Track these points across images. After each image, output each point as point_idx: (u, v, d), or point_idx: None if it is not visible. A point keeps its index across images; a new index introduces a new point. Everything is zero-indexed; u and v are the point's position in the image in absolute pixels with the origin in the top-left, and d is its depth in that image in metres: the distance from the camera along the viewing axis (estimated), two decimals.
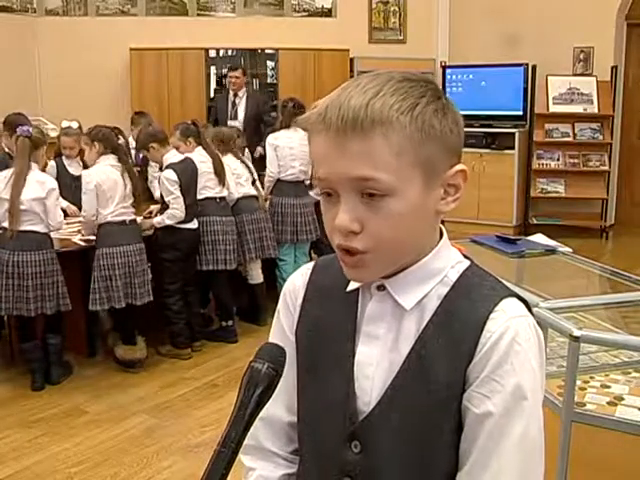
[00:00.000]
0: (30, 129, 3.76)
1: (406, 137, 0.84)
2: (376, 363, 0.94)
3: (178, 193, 4.14)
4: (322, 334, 0.99)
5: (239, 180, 4.70)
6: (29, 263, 3.64)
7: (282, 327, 1.05)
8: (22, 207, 3.64)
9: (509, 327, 0.87)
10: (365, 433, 0.93)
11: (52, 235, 3.81)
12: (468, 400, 0.88)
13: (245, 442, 1.05)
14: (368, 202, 0.86)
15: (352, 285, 0.97)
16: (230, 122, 6.30)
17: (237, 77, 6.46)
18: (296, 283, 1.05)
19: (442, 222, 0.97)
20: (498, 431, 0.86)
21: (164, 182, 4.17)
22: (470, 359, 0.87)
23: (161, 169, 4.32)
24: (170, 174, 4.17)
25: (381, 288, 0.94)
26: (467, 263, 0.96)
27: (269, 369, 0.82)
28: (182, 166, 4.23)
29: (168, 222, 4.18)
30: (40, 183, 3.70)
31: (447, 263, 0.94)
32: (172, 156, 4.28)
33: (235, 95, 6.51)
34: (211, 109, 6.99)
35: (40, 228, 3.71)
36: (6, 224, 3.66)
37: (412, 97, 0.85)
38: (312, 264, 1.07)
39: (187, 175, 4.25)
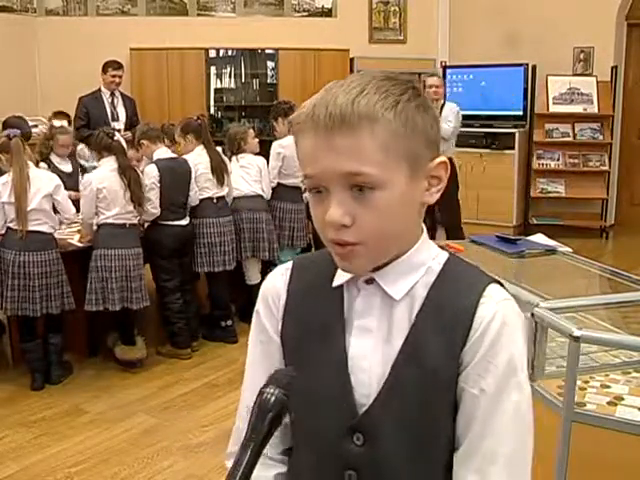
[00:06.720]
0: (17, 130, 3.81)
1: (391, 132, 0.88)
2: (371, 355, 0.96)
3: (154, 188, 4.12)
4: (310, 331, 1.01)
5: (246, 177, 4.66)
6: (35, 264, 3.65)
7: (264, 327, 1.07)
8: (32, 206, 3.65)
9: (497, 311, 0.93)
10: (368, 425, 0.95)
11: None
12: (464, 381, 0.93)
13: (229, 450, 1.07)
14: (358, 196, 0.89)
15: (337, 281, 0.99)
16: (113, 124, 5.78)
17: (120, 76, 6.03)
18: (276, 283, 1.06)
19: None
20: (493, 406, 0.92)
21: (144, 176, 4.13)
22: (464, 343, 0.92)
23: None
24: (150, 169, 4.16)
25: (369, 282, 0.97)
26: (446, 255, 1.00)
27: (280, 394, 0.83)
28: (167, 164, 4.21)
29: (147, 219, 4.20)
30: (45, 180, 3.73)
31: (429, 255, 0.98)
32: (162, 153, 4.27)
33: (112, 95, 6.05)
34: (81, 113, 5.96)
35: (45, 228, 3.73)
36: (12, 225, 3.66)
37: (394, 95, 0.89)
38: (290, 264, 1.08)
39: (172, 174, 4.20)
